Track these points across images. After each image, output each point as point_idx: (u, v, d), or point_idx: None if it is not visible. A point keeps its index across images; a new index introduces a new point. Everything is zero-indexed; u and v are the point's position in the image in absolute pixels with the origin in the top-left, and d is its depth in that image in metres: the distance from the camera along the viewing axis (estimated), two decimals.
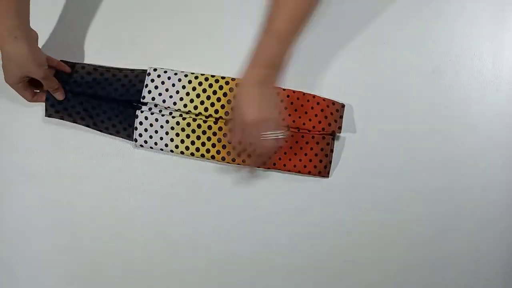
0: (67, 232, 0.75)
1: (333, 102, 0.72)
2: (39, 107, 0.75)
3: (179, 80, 0.72)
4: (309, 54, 0.74)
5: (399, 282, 0.75)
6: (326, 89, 0.74)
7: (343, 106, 0.73)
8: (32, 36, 0.67)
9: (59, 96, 0.72)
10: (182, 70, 0.74)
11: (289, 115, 0.72)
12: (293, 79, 0.73)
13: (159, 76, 0.73)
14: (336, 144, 0.74)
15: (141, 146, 0.73)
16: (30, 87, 0.71)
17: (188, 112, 0.72)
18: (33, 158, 0.75)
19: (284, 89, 0.73)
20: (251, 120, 0.60)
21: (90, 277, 0.75)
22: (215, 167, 0.74)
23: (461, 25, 0.75)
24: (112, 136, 0.75)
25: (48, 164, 0.75)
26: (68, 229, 0.75)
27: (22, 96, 0.71)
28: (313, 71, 0.75)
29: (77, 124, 0.75)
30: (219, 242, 0.75)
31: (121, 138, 0.75)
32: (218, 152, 0.72)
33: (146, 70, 0.73)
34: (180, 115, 0.72)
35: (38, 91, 0.73)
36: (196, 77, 0.72)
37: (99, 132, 0.75)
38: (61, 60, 0.74)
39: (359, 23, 0.75)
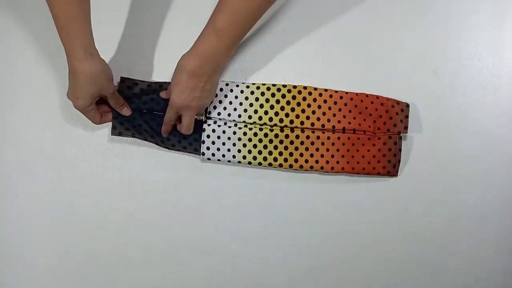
0: (67, 232, 0.75)
1: (398, 102, 0.73)
2: (39, 107, 0.75)
3: (241, 91, 0.72)
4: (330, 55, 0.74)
5: (399, 282, 0.75)
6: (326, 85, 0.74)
7: (407, 105, 0.73)
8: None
9: (126, 111, 0.71)
10: (243, 82, 0.74)
11: (354, 118, 0.72)
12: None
13: (221, 89, 0.72)
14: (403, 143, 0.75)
15: (208, 159, 0.72)
16: (97, 108, 0.69)
17: (254, 123, 0.72)
18: (33, 158, 0.74)
19: (346, 93, 0.73)
20: (173, 102, 0.66)
21: (90, 277, 0.75)
22: (215, 168, 0.74)
23: (461, 25, 0.75)
24: (112, 137, 0.74)
25: (48, 164, 0.75)
26: (68, 229, 0.75)
27: (92, 120, 0.70)
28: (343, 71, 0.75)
29: (75, 124, 0.75)
30: (219, 242, 0.75)
31: (122, 141, 0.74)
32: (285, 160, 0.71)
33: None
34: (246, 126, 0.72)
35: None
36: (258, 88, 0.72)
37: (102, 132, 0.75)
38: (121, 77, 0.72)
39: (359, 23, 0.75)
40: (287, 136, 0.71)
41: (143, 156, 0.75)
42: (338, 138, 0.72)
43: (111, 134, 0.72)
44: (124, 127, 0.72)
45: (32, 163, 0.75)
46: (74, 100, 0.66)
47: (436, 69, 0.75)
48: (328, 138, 0.72)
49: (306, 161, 0.71)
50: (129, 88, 0.71)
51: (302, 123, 0.72)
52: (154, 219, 0.75)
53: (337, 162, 0.72)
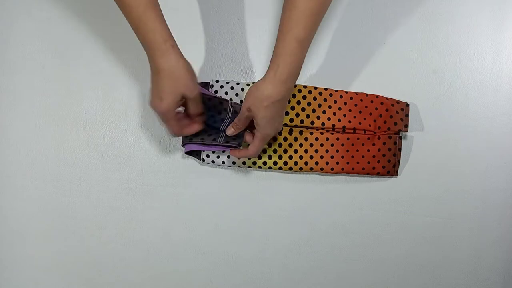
0: (67, 232, 0.75)
1: (397, 101, 0.73)
2: (39, 107, 0.75)
3: (242, 89, 0.72)
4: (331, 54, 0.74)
5: (399, 282, 0.75)
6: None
7: (407, 105, 0.74)
8: None
9: (199, 126, 0.66)
10: (243, 80, 0.73)
11: (354, 117, 0.72)
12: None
13: (221, 87, 0.72)
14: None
15: (208, 164, 0.73)
16: (182, 116, 0.64)
17: None
18: (33, 158, 0.75)
19: (346, 92, 0.73)
20: (267, 135, 0.62)
21: (90, 277, 0.75)
22: (215, 168, 0.74)
23: (461, 25, 0.75)
24: (112, 137, 0.74)
25: (48, 164, 0.75)
26: (68, 229, 0.75)
27: (172, 129, 0.63)
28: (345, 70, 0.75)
29: (75, 124, 0.75)
30: (219, 242, 0.75)
31: (122, 141, 0.75)
32: (285, 163, 0.71)
33: (209, 83, 0.72)
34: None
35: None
36: None
37: (102, 133, 0.75)
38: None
39: (359, 23, 0.75)
40: (285, 139, 0.71)
41: (143, 156, 0.75)
42: (337, 139, 0.72)
43: (182, 144, 0.69)
44: (200, 137, 0.68)
45: (32, 163, 0.75)
46: (158, 103, 0.59)
47: (436, 69, 0.75)
48: (327, 139, 0.71)
49: (306, 163, 0.71)
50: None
51: (301, 121, 0.71)
52: (154, 219, 0.75)
53: (337, 163, 0.72)
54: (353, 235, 0.74)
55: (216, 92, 0.72)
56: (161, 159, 0.75)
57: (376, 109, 0.72)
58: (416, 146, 0.75)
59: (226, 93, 0.71)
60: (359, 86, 0.74)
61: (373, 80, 0.74)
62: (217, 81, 0.72)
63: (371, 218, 0.74)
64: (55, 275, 0.75)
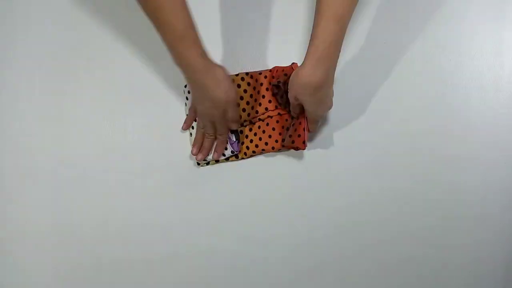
0: (67, 232, 0.75)
1: (282, 69, 0.71)
2: (40, 106, 0.75)
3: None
4: None
5: (399, 282, 0.75)
6: None
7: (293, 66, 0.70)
8: None
9: (234, 126, 0.70)
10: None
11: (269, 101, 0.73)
12: None
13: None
14: (332, 141, 0.74)
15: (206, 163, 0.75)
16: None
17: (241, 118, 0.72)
18: (33, 158, 0.75)
19: (260, 73, 0.73)
20: (321, 116, 0.65)
21: (90, 277, 0.75)
22: (214, 168, 0.74)
23: (461, 25, 0.75)
24: (111, 137, 0.74)
25: (48, 164, 0.75)
26: (68, 229, 0.75)
27: (221, 131, 0.68)
28: None
29: (74, 123, 0.75)
30: (219, 242, 0.75)
31: (122, 141, 0.74)
32: (247, 147, 0.74)
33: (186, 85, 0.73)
34: (242, 124, 0.73)
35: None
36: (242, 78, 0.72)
37: (102, 133, 0.75)
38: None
39: (360, 23, 0.75)
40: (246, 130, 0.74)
41: (143, 156, 0.75)
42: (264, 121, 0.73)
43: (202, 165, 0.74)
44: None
45: (32, 163, 0.75)
46: (221, 94, 0.61)
47: (436, 69, 0.75)
48: (259, 127, 0.73)
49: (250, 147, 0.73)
50: None
51: (256, 112, 0.73)
52: (154, 219, 0.75)
53: (276, 141, 0.72)
54: (353, 235, 0.74)
55: None
56: (161, 159, 0.75)
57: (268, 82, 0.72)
58: (416, 145, 0.74)
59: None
60: (359, 86, 0.74)
61: (373, 80, 0.74)
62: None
63: (371, 218, 0.74)
64: (55, 275, 0.75)
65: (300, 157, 0.74)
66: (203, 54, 0.59)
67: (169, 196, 0.75)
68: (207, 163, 0.74)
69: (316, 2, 0.56)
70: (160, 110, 0.75)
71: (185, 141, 0.75)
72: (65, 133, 0.75)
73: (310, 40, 0.57)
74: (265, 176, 0.74)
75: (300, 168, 0.74)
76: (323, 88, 0.58)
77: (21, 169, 0.75)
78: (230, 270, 0.75)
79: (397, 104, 0.75)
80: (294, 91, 0.60)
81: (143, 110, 0.75)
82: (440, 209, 0.75)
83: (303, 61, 0.58)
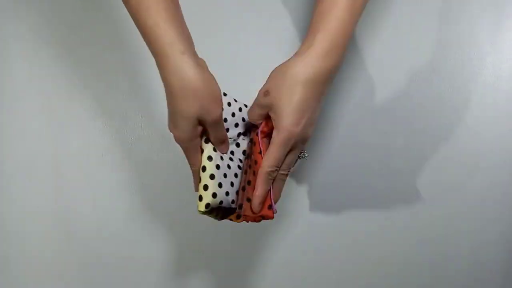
0: (66, 232, 0.75)
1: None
2: (39, 107, 0.75)
3: (246, 105, 0.55)
4: None
5: (399, 282, 0.75)
6: None
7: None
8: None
9: (224, 148, 0.51)
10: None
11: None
12: None
13: (229, 104, 0.53)
14: (332, 141, 0.74)
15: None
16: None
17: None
18: (33, 158, 0.75)
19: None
20: (291, 134, 0.44)
21: (90, 277, 0.75)
22: None
23: (461, 26, 0.75)
24: (111, 137, 0.75)
25: (48, 164, 0.75)
26: (68, 229, 0.75)
27: (192, 161, 0.50)
28: None
29: (74, 123, 0.75)
30: (219, 242, 0.75)
31: (122, 141, 0.75)
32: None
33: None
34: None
35: None
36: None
37: (102, 133, 0.75)
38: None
39: (359, 23, 0.75)
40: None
41: (143, 156, 0.75)
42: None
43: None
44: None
45: (32, 163, 0.75)
46: (172, 131, 0.47)
47: (436, 69, 0.75)
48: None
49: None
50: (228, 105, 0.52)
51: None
52: (154, 219, 0.75)
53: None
54: (353, 235, 0.75)
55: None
56: (161, 159, 0.75)
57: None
58: (416, 146, 0.75)
59: (233, 114, 0.54)
60: (358, 86, 0.74)
61: (373, 80, 0.74)
62: (225, 94, 0.52)
63: (371, 218, 0.74)
64: (55, 275, 0.75)
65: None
66: (173, 45, 0.43)
67: (169, 196, 0.75)
68: (209, 212, 0.56)
69: None
70: (160, 109, 0.75)
71: None
72: (65, 133, 0.75)
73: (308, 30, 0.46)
74: None
75: (300, 167, 0.75)
76: (312, 86, 0.44)
77: (21, 169, 0.75)
78: (230, 270, 0.75)
79: (397, 104, 0.75)
80: (268, 83, 0.46)
81: (143, 110, 0.75)
82: (440, 209, 0.75)
83: (304, 49, 0.45)
